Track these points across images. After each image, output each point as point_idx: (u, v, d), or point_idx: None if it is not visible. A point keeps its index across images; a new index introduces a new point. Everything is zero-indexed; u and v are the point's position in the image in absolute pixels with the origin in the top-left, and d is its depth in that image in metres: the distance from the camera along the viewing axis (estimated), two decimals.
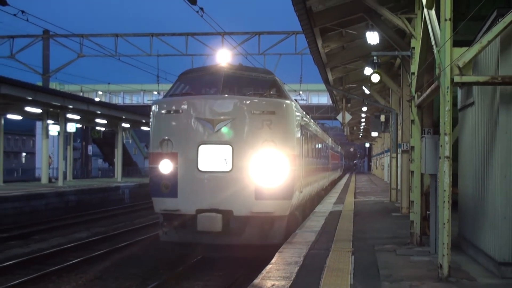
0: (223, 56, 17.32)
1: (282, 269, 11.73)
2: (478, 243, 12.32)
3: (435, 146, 12.66)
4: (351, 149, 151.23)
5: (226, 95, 16.77)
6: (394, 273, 11.43)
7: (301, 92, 50.17)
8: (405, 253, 13.82)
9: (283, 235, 16.28)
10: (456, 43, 10.90)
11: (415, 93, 15.22)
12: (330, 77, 29.09)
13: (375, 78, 22.65)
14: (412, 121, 15.48)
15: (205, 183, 16.05)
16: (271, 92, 17.39)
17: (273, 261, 12.64)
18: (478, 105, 12.50)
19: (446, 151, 10.66)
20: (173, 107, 16.53)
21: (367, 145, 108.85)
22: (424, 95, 13.93)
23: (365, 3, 17.42)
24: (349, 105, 39.95)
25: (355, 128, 71.76)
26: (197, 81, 17.95)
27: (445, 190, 10.64)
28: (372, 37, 19.63)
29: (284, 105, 16.65)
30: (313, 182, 24.91)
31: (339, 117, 39.90)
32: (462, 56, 10.61)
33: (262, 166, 15.85)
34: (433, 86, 12.60)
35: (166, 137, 16.33)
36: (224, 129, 15.92)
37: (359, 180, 69.69)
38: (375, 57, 20.91)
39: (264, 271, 11.42)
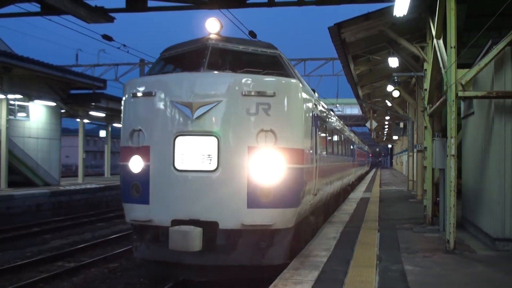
0: (212, 26, 10.86)
1: (323, 242, 11.73)
2: (477, 223, 12.14)
3: (443, 147, 12.51)
4: (377, 149, 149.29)
5: (209, 72, 10.15)
6: (411, 246, 11.34)
7: (337, 105, 49.69)
8: (420, 231, 13.68)
9: (287, 252, 10.04)
10: (460, 66, 10.82)
11: (427, 105, 15.07)
12: (360, 93, 28.93)
13: (396, 94, 22.79)
14: (425, 127, 15.35)
15: (183, 186, 9.78)
16: (273, 70, 10.60)
17: (316, 236, 12.65)
18: (478, 114, 12.32)
19: (452, 150, 10.54)
20: (145, 89, 10.31)
21: (390, 146, 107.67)
22: (435, 106, 13.81)
23: (387, 35, 17.38)
24: (375, 114, 39.72)
25: (380, 132, 71.07)
26: (180, 58, 11.44)
27: (451, 181, 10.53)
28: (393, 62, 19.51)
29: (287, 84, 10.13)
30: (335, 181, 17.51)
31: (368, 124, 39.67)
32: (464, 76, 10.50)
33: (257, 164, 9.55)
34: (441, 99, 12.50)
35: (137, 127, 10.21)
36: (207, 116, 9.68)
37: (383, 173, 68.90)
38: (395, 77, 20.92)
39: (309, 245, 11.43)
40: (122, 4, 14.61)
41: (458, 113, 13.29)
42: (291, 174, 9.78)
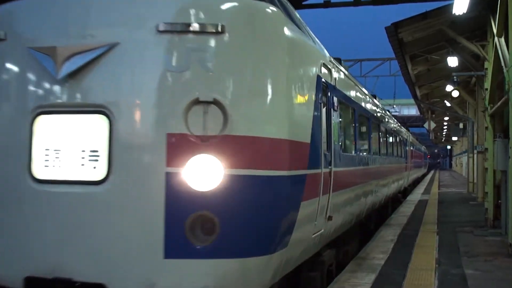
0: None
1: (380, 245, 11.57)
2: None
3: (505, 148, 12.18)
4: (436, 150, 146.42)
5: None
6: (472, 250, 11.06)
7: (394, 106, 49.06)
8: (481, 234, 13.33)
9: None
10: None
11: (488, 105, 14.75)
12: (418, 93, 28.53)
13: (455, 94, 22.54)
14: (486, 128, 15.06)
15: (46, 213, 4.89)
16: None
17: (373, 239, 12.50)
18: None
19: None
20: None
21: (449, 147, 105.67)
22: (496, 106, 13.50)
23: (446, 34, 17.14)
24: (433, 115, 39.08)
25: (438, 133, 69.77)
26: None
27: None
28: (452, 61, 19.19)
29: (251, 10, 5.03)
30: (374, 190, 12.15)
31: (426, 125, 39.04)
32: None
33: (186, 170, 4.62)
34: (503, 99, 12.19)
35: None
36: (88, 74, 4.82)
37: (442, 175, 67.55)
38: (455, 77, 20.58)
39: (366, 247, 11.28)
40: None
41: None
42: (261, 190, 4.96)
